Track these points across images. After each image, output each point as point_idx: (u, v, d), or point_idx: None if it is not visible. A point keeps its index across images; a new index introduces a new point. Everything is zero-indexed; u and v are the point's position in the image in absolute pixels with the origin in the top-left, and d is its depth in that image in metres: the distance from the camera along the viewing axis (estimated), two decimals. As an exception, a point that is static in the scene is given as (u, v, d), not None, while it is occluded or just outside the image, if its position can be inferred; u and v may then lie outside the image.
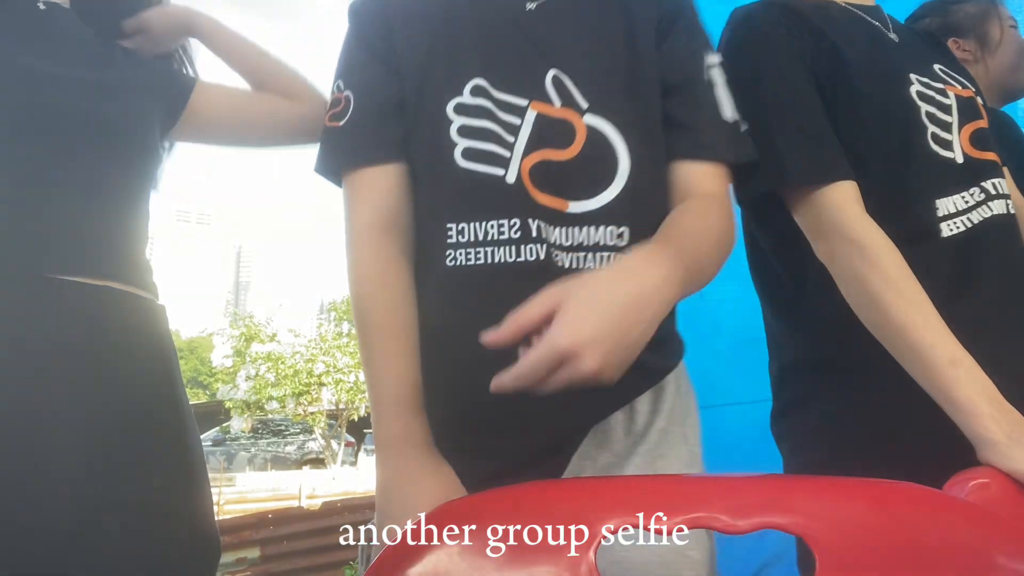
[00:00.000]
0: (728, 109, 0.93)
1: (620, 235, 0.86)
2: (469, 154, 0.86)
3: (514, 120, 0.87)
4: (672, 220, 0.85)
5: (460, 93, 0.88)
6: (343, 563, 5.03)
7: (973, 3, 1.51)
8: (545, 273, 0.80)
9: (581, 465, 0.87)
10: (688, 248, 0.79)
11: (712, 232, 0.85)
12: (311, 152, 1.10)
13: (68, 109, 0.95)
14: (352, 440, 17.75)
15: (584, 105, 0.88)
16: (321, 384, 16.73)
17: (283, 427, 19.33)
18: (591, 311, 0.68)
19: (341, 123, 0.94)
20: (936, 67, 1.07)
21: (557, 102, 0.88)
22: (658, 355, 0.87)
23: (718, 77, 0.94)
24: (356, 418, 16.83)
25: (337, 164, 0.95)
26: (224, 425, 19.02)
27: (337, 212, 1.01)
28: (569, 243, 0.85)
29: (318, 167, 0.97)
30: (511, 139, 0.86)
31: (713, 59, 0.95)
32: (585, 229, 0.85)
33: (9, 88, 0.93)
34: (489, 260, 0.84)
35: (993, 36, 1.49)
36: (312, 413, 17.24)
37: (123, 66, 1.10)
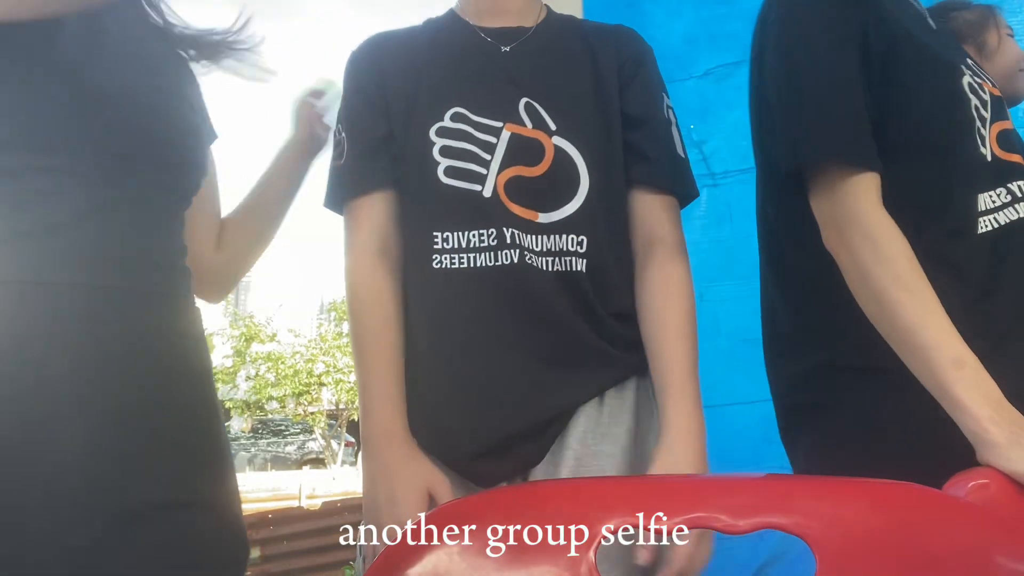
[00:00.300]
0: (679, 146, 1.06)
1: (580, 243, 0.98)
2: (450, 172, 0.98)
3: (490, 139, 0.98)
4: (676, 348, 0.96)
5: (442, 119, 1.00)
6: (343, 563, 5.03)
7: (972, 10, 1.51)
8: (520, 274, 0.95)
9: (560, 451, 0.95)
10: (696, 381, 0.94)
11: (694, 329, 0.98)
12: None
13: (127, 124, 0.92)
14: (352, 440, 17.75)
15: (553, 127, 1.00)
16: (321, 384, 16.75)
17: (283, 427, 19.35)
18: None
19: (341, 162, 1.05)
20: (970, 61, 1.05)
21: (529, 124, 0.99)
22: (632, 353, 0.98)
23: (672, 117, 1.08)
24: (356, 418, 16.72)
25: (338, 197, 1.06)
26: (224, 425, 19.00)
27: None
28: (540, 249, 0.96)
29: (326, 202, 1.08)
30: (488, 157, 0.98)
31: (668, 100, 1.08)
32: (552, 237, 0.97)
33: (69, 99, 0.89)
34: (471, 264, 0.96)
35: (991, 44, 1.49)
36: (312, 413, 17.28)
37: (179, 72, 1.07)
